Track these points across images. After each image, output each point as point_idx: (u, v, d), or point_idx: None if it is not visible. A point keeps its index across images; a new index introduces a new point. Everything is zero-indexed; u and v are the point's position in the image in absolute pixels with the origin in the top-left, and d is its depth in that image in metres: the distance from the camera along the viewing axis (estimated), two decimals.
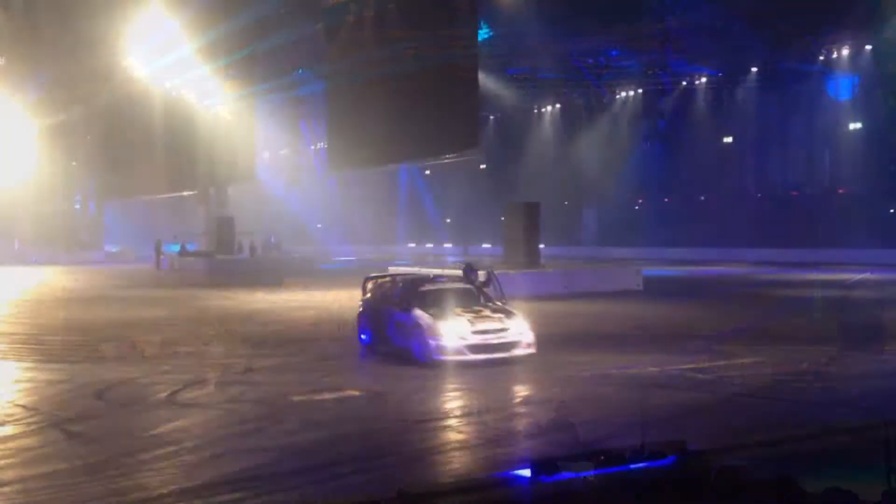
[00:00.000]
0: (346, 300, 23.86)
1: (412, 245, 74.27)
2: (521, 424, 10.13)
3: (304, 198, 75.55)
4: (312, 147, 74.08)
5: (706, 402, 10.99)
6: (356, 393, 11.84)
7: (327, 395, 11.51)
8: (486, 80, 52.78)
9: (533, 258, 30.39)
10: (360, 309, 16.71)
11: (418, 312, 14.12)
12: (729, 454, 7.57)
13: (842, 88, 54.21)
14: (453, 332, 13.43)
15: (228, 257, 43.67)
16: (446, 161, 41.66)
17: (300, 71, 54.92)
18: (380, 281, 17.44)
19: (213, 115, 50.22)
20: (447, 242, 72.89)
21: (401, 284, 16.16)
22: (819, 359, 14.10)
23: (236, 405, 10.98)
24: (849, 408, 10.55)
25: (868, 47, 49.86)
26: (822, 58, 52.40)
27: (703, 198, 60.30)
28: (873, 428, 7.87)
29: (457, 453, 8.68)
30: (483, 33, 48.66)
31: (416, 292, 15.06)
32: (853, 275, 37.39)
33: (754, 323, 20.34)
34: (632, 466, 5.64)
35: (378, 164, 37.77)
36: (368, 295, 16.96)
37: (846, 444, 8.52)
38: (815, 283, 32.98)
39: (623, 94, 62.92)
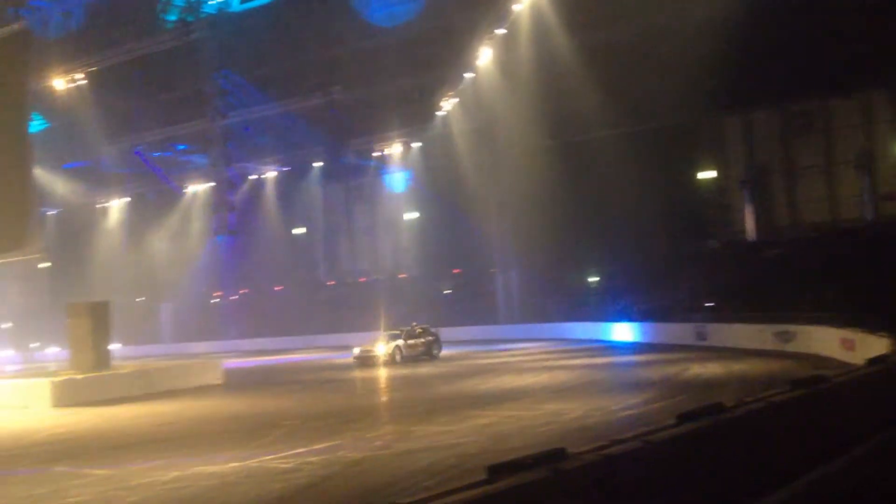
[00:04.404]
0: None
1: None
2: None
3: None
4: None
5: (285, 492, 11.06)
6: None
7: None
8: (42, 175, 49.54)
9: (103, 360, 28.64)
10: None
11: None
12: None
13: (397, 182, 59.23)
14: None
15: None
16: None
17: None
18: None
19: None
20: (7, 349, 65.98)
21: None
22: (391, 436, 14.93)
23: None
24: (423, 477, 11.26)
25: (416, 145, 54.99)
26: (377, 154, 56.72)
27: (278, 288, 61.52)
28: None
29: None
30: (37, 125, 45.75)
31: None
32: None
33: (331, 407, 21.00)
34: None
35: None
36: None
37: None
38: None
39: (193, 187, 62.59)
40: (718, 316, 36.25)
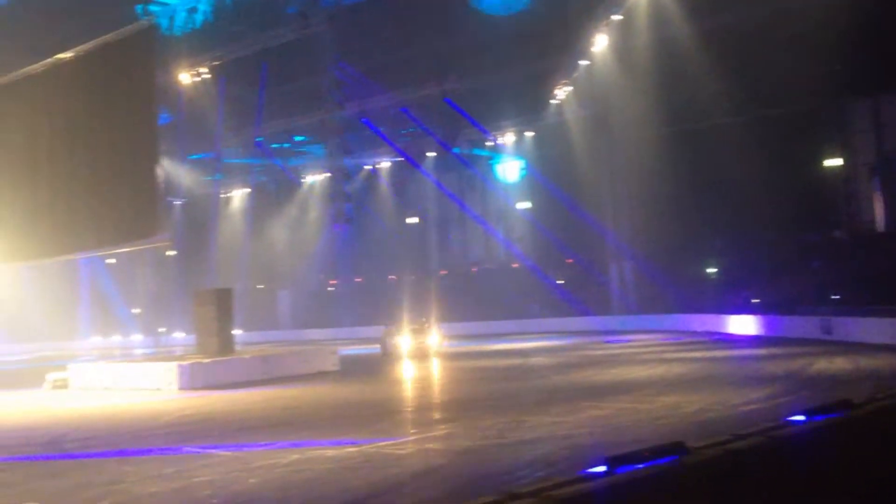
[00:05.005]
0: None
1: (97, 339, 69.56)
2: None
3: None
4: None
5: (401, 478, 11.21)
6: None
7: None
8: (169, 166, 51.59)
9: (227, 345, 29.67)
10: None
11: None
12: None
13: (510, 171, 59.13)
14: None
15: None
16: (130, 250, 39.74)
17: None
18: None
19: None
20: (137, 334, 69.16)
21: None
22: (504, 425, 14.94)
23: None
24: (538, 467, 11.23)
25: (529, 134, 54.72)
26: (490, 144, 56.72)
27: (392, 276, 62.38)
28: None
29: None
30: (164, 118, 47.61)
31: None
32: (531, 343, 40.32)
33: (444, 395, 21.19)
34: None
35: (49, 257, 34.95)
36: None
37: None
38: (498, 353, 35.17)
39: (310, 177, 64.03)
40: (845, 309, 34.84)
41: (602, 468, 5.79)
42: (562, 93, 51.25)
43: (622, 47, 45.48)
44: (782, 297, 39.27)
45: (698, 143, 44.34)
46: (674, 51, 42.17)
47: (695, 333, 41.38)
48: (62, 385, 28.19)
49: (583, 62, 48.02)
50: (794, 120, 42.22)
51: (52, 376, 28.57)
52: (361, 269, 63.79)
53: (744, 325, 40.19)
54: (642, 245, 49.46)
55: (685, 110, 44.94)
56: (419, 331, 36.79)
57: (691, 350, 31.70)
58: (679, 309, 46.35)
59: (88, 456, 14.45)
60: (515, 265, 59.28)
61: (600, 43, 45.93)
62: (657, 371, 24.26)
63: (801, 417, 7.42)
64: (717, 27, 41.07)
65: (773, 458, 6.66)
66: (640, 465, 5.86)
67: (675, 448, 6.25)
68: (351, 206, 62.80)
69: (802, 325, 35.25)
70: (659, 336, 40.92)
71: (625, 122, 49.04)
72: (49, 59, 32.07)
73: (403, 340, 36.18)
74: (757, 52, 40.13)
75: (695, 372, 23.50)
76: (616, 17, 44.26)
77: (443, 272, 62.85)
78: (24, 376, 33.69)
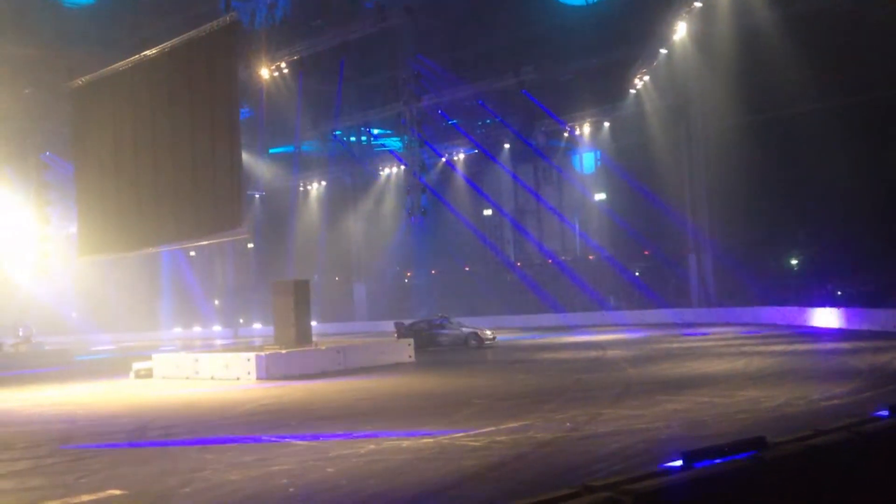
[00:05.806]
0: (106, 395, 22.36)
1: (178, 330, 71.37)
2: None
3: (56, 285, 70.75)
4: (63, 233, 69.83)
5: (477, 470, 11.23)
6: None
7: None
8: (249, 159, 52.51)
9: (304, 336, 30.09)
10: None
11: None
12: None
13: (586, 162, 58.58)
14: None
15: None
16: (211, 242, 40.65)
17: (47, 153, 52.53)
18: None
19: None
20: (216, 325, 70.69)
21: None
22: (580, 418, 14.84)
23: None
24: (614, 460, 11.13)
25: (606, 124, 54.08)
26: (566, 134, 56.23)
27: (467, 268, 62.43)
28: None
29: None
30: (244, 112, 48.48)
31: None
32: (607, 335, 39.96)
33: (519, 387, 21.12)
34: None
35: (133, 249, 35.95)
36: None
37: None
38: (574, 346, 34.95)
39: (386, 170, 64.43)
40: None
41: (679, 462, 5.71)
42: (640, 82, 50.52)
43: (703, 35, 44.60)
44: (868, 290, 38.09)
45: (781, 132, 43.24)
46: (755, 38, 41.17)
47: (776, 326, 40.45)
48: (146, 374, 29.05)
49: (662, 51, 47.24)
50: (882, 107, 40.83)
51: (137, 366, 29.47)
52: (438, 261, 64.05)
53: (827, 318, 39.10)
54: (722, 236, 48.53)
55: (767, 98, 43.84)
56: (434, 327, 37.60)
57: (772, 343, 31.00)
58: (759, 301, 45.35)
59: (171, 444, 14.84)
60: (592, 257, 58.78)
61: (680, 31, 45.12)
62: (736, 365, 23.80)
63: (885, 413, 7.21)
64: (799, 13, 39.95)
65: (856, 455, 6.49)
66: (719, 460, 5.76)
67: (755, 443, 6.12)
68: (427, 198, 63.06)
69: (889, 319, 34.14)
70: (738, 329, 40.14)
71: (705, 110, 48.12)
72: (134, 56, 32.93)
73: (478, 333, 36.64)
74: (842, 38, 38.87)
75: (775, 366, 22.98)
76: (697, 4, 43.40)
77: (518, 264, 62.70)
78: (112, 366, 34.81)
